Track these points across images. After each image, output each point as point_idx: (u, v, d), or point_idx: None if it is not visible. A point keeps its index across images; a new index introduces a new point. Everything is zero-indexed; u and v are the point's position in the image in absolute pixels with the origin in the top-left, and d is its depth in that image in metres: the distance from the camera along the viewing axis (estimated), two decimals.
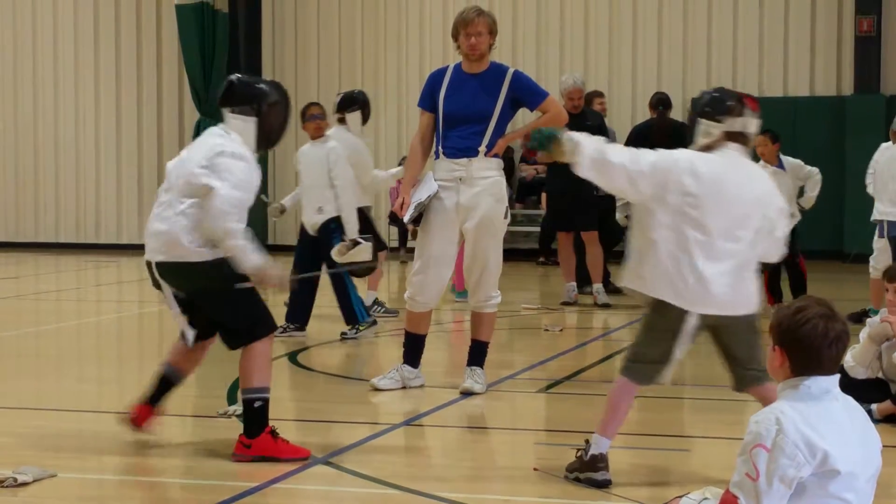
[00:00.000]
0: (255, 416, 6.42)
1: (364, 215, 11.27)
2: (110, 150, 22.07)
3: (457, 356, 9.36)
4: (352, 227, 10.54)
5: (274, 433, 6.41)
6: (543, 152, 5.90)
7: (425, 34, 20.75)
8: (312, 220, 10.85)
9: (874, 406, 7.17)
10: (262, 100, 6.52)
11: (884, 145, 11.80)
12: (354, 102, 11.48)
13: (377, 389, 8.35)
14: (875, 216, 11.66)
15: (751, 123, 5.89)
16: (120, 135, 22.03)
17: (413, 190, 8.17)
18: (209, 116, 20.79)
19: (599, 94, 15.53)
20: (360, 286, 11.50)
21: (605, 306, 13.25)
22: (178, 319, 6.58)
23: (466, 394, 8.23)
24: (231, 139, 6.43)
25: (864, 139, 16.90)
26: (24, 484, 5.84)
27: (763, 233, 5.77)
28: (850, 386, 6.45)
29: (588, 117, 13.41)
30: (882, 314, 7.47)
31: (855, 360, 7.38)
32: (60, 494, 5.83)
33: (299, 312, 10.93)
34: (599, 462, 5.84)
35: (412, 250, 8.99)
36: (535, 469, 6.16)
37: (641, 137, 14.14)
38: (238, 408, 7.54)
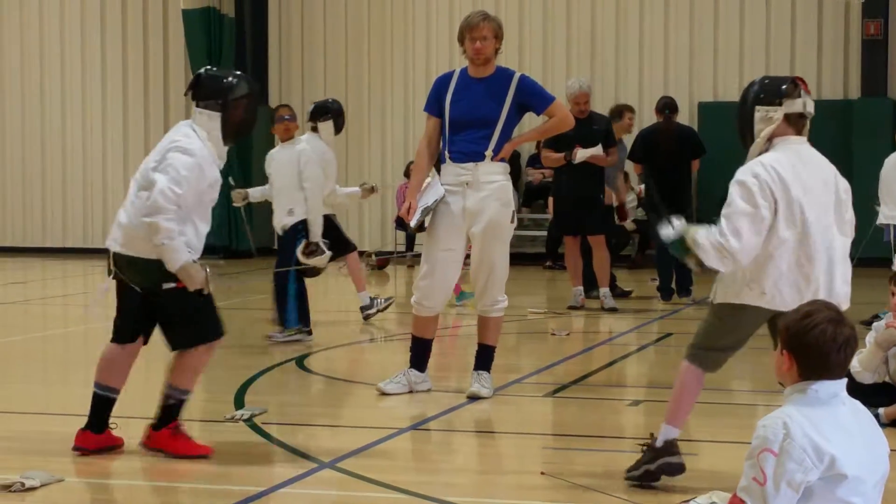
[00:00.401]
0: (167, 411, 6.56)
1: (330, 222, 11.27)
2: (117, 154, 22.08)
3: (463, 360, 9.36)
4: (316, 230, 10.58)
5: (177, 429, 6.54)
6: (683, 257, 5.74)
7: (432, 38, 20.75)
8: (283, 222, 10.86)
9: (881, 410, 7.16)
10: (227, 94, 6.50)
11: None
12: (327, 112, 11.39)
13: (384, 394, 8.35)
14: (881, 220, 11.65)
15: (810, 104, 5.78)
16: (127, 139, 22.05)
17: (420, 194, 8.17)
18: None
19: (629, 109, 15.43)
20: (347, 291, 11.46)
21: (612, 310, 13.24)
22: (93, 310, 6.61)
23: (473, 398, 8.23)
24: (193, 134, 6.44)
25: (871, 143, 16.90)
26: (32, 489, 5.84)
27: (840, 217, 5.68)
28: (857, 390, 6.43)
29: (595, 121, 13.40)
30: (888, 319, 7.45)
31: (861, 365, 7.36)
32: (68, 499, 5.84)
33: (304, 315, 10.92)
34: (673, 447, 5.83)
35: (419, 255, 8.99)
36: (542, 473, 6.16)
37: (648, 142, 14.14)
38: (245, 412, 7.56)
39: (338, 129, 11.44)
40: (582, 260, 13.68)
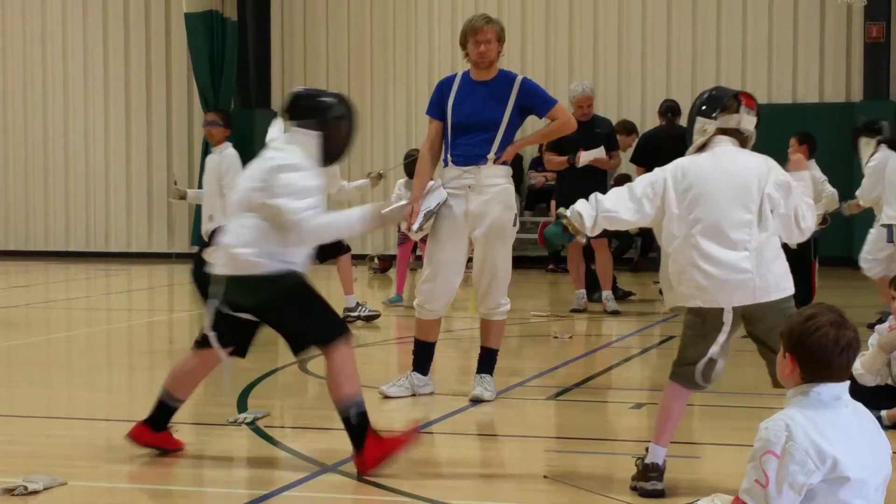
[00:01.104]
0: (357, 428, 6.27)
1: None
2: (120, 157, 22.10)
3: (466, 364, 9.36)
4: None
5: (374, 434, 6.27)
6: (561, 243, 5.97)
7: (434, 42, 20.75)
8: (205, 228, 10.90)
9: (884, 412, 7.16)
10: (326, 113, 6.43)
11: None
12: None
13: (387, 397, 8.35)
14: (883, 220, 11.65)
15: (746, 121, 5.88)
16: (129, 143, 22.06)
17: (422, 198, 8.17)
18: None
19: (636, 131, 15.59)
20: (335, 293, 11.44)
21: (615, 313, 13.24)
22: (210, 335, 6.44)
23: (476, 401, 8.23)
24: (287, 151, 6.34)
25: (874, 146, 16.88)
26: (35, 492, 5.85)
27: (770, 213, 5.72)
28: (860, 392, 6.43)
29: (598, 124, 13.41)
30: (890, 322, 7.45)
31: (864, 367, 7.36)
32: (70, 503, 5.84)
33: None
34: (651, 472, 5.82)
35: (421, 258, 9.00)
36: (545, 476, 6.16)
37: (651, 144, 14.15)
38: (248, 416, 7.56)
39: None
40: (585, 263, 13.69)
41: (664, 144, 13.81)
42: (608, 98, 19.38)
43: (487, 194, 8.12)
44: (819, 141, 12.64)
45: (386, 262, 19.20)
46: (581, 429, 7.63)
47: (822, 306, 3.96)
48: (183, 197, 11.60)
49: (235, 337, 6.52)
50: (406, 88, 20.93)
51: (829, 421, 3.82)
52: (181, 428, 6.86)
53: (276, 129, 6.50)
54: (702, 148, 5.88)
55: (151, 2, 21.95)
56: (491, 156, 8.14)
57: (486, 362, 8.40)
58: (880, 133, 12.08)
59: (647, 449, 5.93)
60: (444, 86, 8.37)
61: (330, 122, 6.43)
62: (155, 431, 6.64)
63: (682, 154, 5.99)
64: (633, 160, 14.38)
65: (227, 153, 10.87)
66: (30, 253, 22.02)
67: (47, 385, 9.59)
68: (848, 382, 3.92)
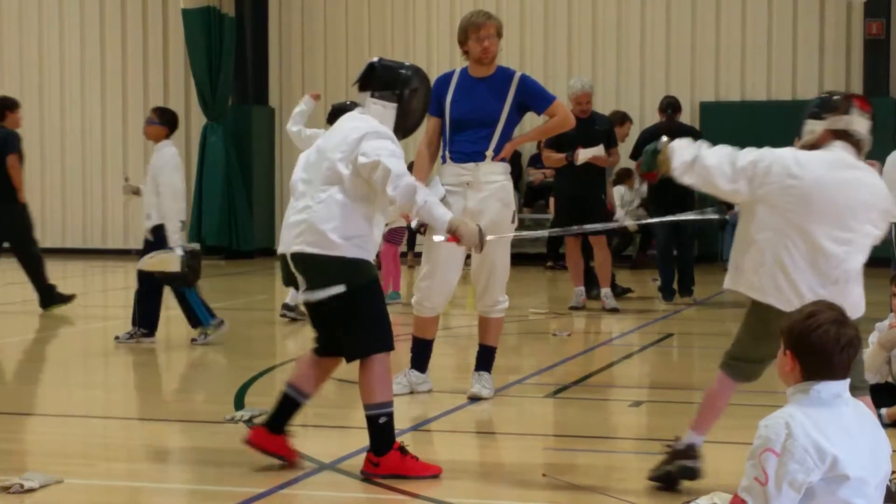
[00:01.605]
0: (381, 433, 6.12)
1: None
2: (116, 154, 22.06)
3: (464, 361, 9.34)
4: (173, 236, 10.53)
5: (402, 450, 6.14)
6: (649, 170, 5.78)
7: (432, 37, 20.73)
8: (144, 225, 10.92)
9: (883, 410, 7.14)
10: (404, 85, 6.31)
11: None
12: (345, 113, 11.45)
13: None
14: None
15: (857, 122, 5.65)
16: (126, 139, 22.02)
17: None
18: (215, 120, 20.83)
19: (629, 119, 15.49)
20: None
21: (614, 311, 13.22)
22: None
23: (474, 399, 8.21)
24: (368, 122, 6.19)
25: (874, 142, 16.86)
26: (31, 490, 5.82)
27: (868, 236, 5.54)
28: None
29: (596, 121, 13.38)
30: (890, 319, 7.43)
31: (864, 365, 7.33)
32: (67, 501, 5.82)
33: (146, 318, 10.92)
34: (693, 450, 5.79)
35: (419, 255, 8.97)
36: (543, 475, 6.14)
37: (651, 140, 14.10)
38: (245, 413, 7.53)
39: None
40: (583, 260, 13.66)
41: None
42: (607, 95, 19.35)
43: (486, 191, 8.10)
44: None
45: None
46: (580, 426, 7.61)
47: (822, 304, 3.95)
48: (137, 192, 11.61)
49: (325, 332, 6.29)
50: None
51: (829, 419, 3.80)
52: (177, 426, 6.83)
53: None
54: (810, 149, 5.64)
55: None
56: (489, 152, 8.12)
57: (485, 360, 8.38)
58: None
59: (676, 437, 5.90)
60: (441, 82, 8.34)
61: (407, 94, 6.31)
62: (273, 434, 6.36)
63: None
64: (633, 156, 14.35)
65: (163, 151, 10.86)
66: None
67: (43, 382, 9.56)
68: (848, 380, 3.91)
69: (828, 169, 5.52)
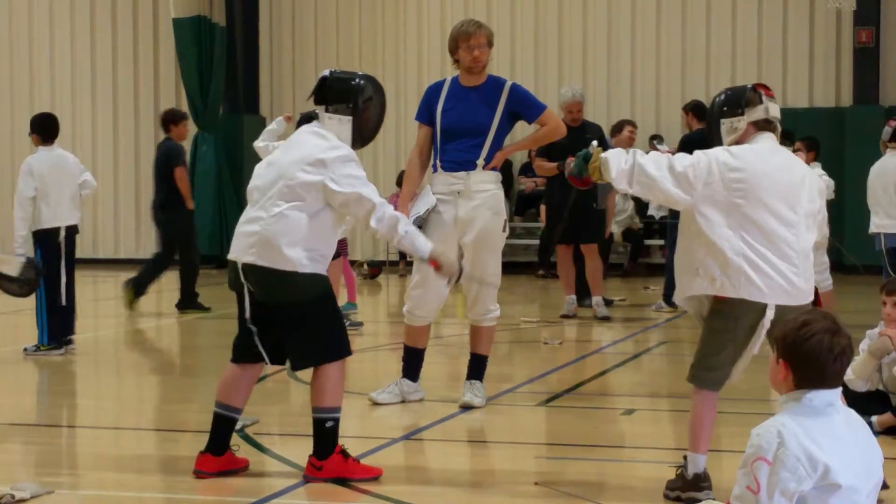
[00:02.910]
0: (326, 437, 6.17)
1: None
2: (107, 163, 22.05)
3: (456, 370, 9.33)
4: (16, 242, 10.71)
5: (344, 453, 6.21)
6: (580, 177, 5.80)
7: (423, 47, 20.75)
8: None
9: (874, 418, 7.15)
10: (357, 96, 6.30)
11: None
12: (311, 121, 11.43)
13: (376, 403, 8.32)
14: (872, 229, 11.66)
15: (773, 108, 5.85)
16: (117, 148, 22.02)
17: (411, 204, 8.14)
18: (206, 130, 20.82)
19: (631, 123, 15.43)
20: (341, 300, 11.30)
21: (605, 319, 13.23)
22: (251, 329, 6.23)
23: (466, 407, 8.21)
24: (331, 140, 6.19)
25: (863, 150, 16.89)
26: (22, 501, 5.81)
27: (812, 217, 5.71)
28: (850, 398, 6.42)
29: (588, 130, 13.38)
30: (881, 328, 7.44)
31: (855, 373, 7.34)
32: None
33: (63, 327, 10.96)
34: (702, 482, 5.77)
35: (411, 264, 8.97)
36: (535, 483, 6.14)
37: (695, 148, 14.07)
38: (242, 422, 7.51)
39: None
40: (574, 268, 13.66)
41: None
42: (598, 103, 19.37)
43: (477, 200, 8.09)
44: None
45: (375, 269, 19.22)
46: (571, 435, 7.61)
47: (816, 313, 3.94)
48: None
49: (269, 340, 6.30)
50: (395, 93, 20.86)
51: (822, 428, 3.80)
52: (170, 435, 6.82)
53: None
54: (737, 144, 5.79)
55: (139, 7, 21.93)
56: (480, 161, 8.12)
57: (476, 368, 8.37)
58: None
59: (685, 458, 5.88)
60: (432, 91, 8.35)
61: (361, 104, 6.31)
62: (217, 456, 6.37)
63: None
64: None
65: (28, 159, 11.28)
66: None
67: (34, 392, 9.54)
68: (840, 389, 3.91)
69: (763, 156, 5.71)
